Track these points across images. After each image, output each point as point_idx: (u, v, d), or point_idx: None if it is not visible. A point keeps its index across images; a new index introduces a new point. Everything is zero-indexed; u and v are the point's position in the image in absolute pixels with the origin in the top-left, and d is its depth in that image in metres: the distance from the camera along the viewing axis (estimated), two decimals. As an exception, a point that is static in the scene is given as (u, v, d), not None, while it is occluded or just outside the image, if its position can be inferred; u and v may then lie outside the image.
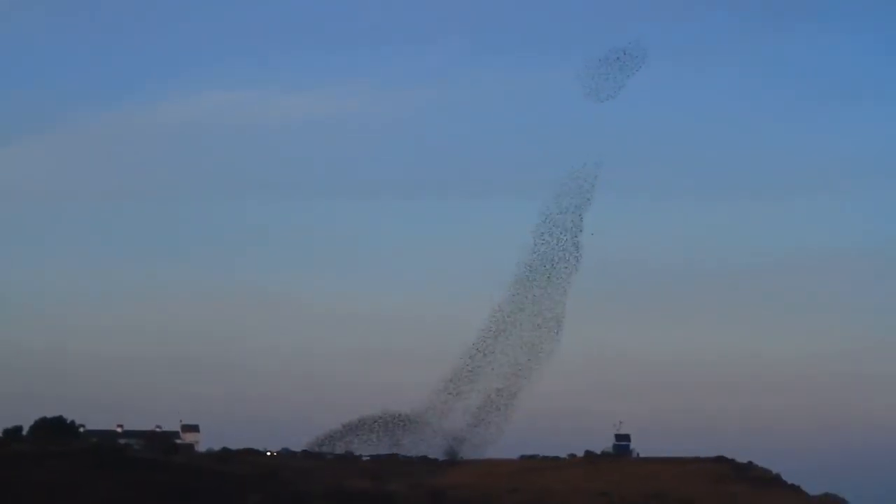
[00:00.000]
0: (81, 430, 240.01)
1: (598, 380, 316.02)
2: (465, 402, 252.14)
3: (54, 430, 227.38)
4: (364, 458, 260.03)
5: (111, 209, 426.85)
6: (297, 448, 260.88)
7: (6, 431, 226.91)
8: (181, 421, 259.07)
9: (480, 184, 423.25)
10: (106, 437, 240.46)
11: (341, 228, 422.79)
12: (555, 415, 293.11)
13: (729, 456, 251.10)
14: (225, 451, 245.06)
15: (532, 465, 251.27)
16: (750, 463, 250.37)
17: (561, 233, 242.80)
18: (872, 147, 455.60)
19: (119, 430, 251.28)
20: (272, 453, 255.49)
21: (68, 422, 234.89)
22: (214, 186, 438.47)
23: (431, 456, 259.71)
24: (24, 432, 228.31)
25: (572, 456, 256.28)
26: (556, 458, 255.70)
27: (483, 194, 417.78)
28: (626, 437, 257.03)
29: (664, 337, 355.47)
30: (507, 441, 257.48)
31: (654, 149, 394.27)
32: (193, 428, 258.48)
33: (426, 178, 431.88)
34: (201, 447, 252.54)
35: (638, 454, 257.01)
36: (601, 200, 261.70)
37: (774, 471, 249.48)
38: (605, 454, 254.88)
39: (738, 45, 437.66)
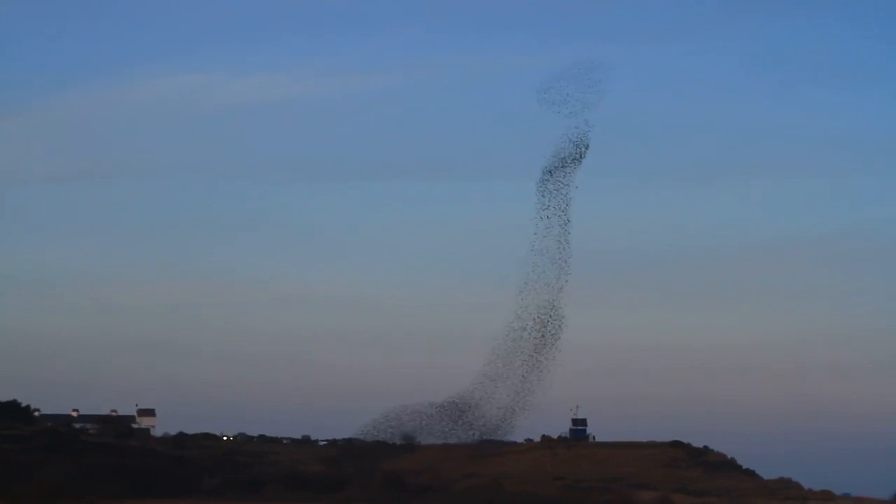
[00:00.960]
0: (36, 414, 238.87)
1: (554, 364, 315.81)
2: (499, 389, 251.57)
3: (9, 413, 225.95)
4: (321, 443, 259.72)
5: (67, 191, 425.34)
6: (253, 433, 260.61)
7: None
8: (137, 405, 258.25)
9: (446, 166, 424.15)
10: (61, 422, 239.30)
11: (297, 211, 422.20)
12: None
13: (685, 440, 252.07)
14: (181, 435, 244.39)
15: (488, 449, 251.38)
16: (705, 447, 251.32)
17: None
18: (840, 132, 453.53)
19: (74, 414, 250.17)
20: (229, 438, 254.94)
21: (23, 406, 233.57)
22: (173, 169, 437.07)
23: (390, 441, 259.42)
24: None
25: (529, 440, 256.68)
26: (513, 443, 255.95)
27: (449, 177, 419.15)
28: (583, 422, 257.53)
29: (621, 322, 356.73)
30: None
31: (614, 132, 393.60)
32: (149, 412, 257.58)
33: (390, 161, 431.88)
34: (157, 431, 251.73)
35: (594, 438, 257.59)
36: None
37: (730, 455, 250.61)
38: (561, 439, 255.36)
39: (715, 28, 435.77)
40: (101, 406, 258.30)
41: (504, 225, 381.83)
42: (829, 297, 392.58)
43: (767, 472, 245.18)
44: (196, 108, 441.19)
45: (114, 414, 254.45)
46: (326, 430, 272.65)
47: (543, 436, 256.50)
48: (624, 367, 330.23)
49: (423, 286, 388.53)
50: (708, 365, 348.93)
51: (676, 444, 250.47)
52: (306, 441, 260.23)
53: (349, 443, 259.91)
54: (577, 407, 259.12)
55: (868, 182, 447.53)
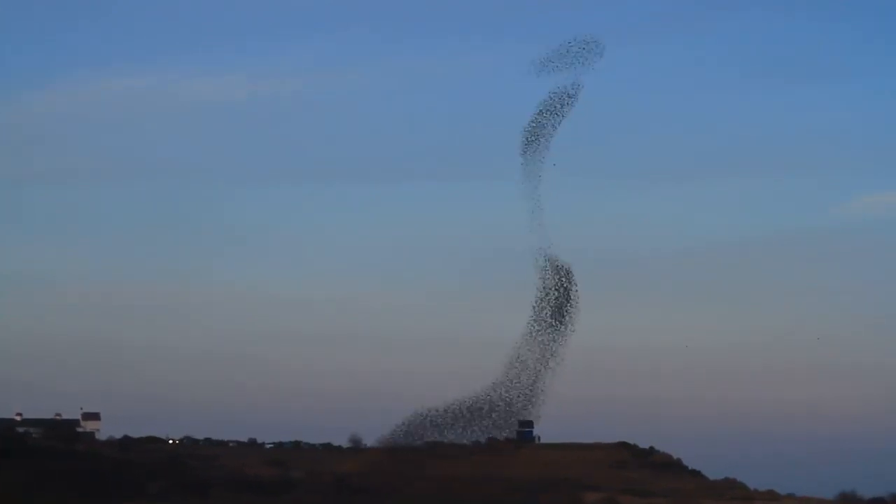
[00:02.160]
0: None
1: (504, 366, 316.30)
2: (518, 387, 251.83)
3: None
4: (267, 446, 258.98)
5: (22, 192, 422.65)
6: (198, 436, 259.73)
7: None
8: (82, 409, 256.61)
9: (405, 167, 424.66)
10: (5, 426, 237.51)
11: (242, 214, 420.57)
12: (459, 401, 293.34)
13: (631, 442, 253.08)
14: (126, 438, 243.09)
15: (436, 451, 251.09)
16: (651, 448, 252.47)
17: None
18: (820, 128, 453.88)
19: (18, 418, 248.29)
20: (174, 441, 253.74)
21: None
22: (129, 171, 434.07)
23: (336, 443, 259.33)
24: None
25: (475, 443, 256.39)
26: (462, 445, 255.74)
27: (411, 177, 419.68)
28: (530, 424, 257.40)
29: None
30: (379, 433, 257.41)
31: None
32: (94, 416, 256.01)
33: (342, 163, 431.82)
34: (102, 435, 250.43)
35: (540, 440, 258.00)
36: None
37: (675, 456, 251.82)
38: (508, 440, 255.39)
39: (690, 27, 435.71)
40: (45, 410, 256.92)
41: (469, 225, 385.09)
42: (775, 299, 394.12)
43: (713, 473, 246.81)
44: (151, 109, 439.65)
45: (58, 418, 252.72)
46: (272, 432, 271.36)
47: (490, 437, 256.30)
48: (570, 368, 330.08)
49: (376, 287, 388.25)
50: (653, 367, 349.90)
51: (622, 446, 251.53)
52: (252, 444, 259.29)
53: (296, 445, 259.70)
54: (521, 408, 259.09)
55: (839, 180, 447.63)
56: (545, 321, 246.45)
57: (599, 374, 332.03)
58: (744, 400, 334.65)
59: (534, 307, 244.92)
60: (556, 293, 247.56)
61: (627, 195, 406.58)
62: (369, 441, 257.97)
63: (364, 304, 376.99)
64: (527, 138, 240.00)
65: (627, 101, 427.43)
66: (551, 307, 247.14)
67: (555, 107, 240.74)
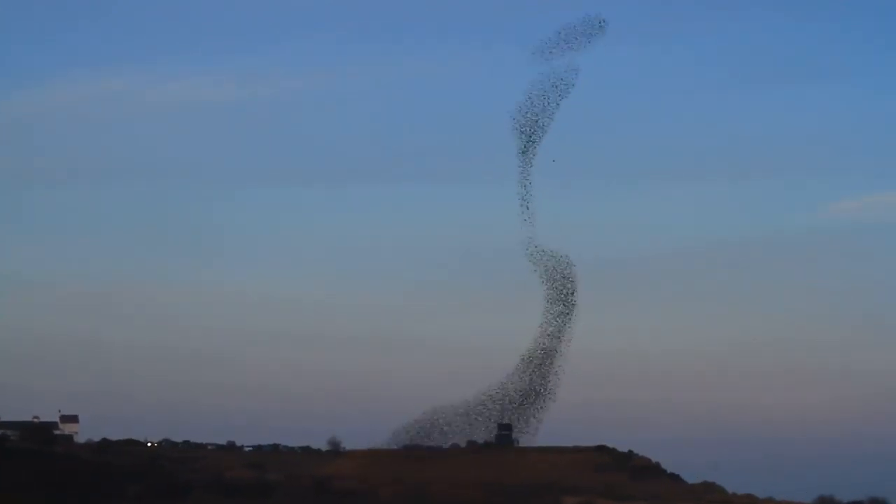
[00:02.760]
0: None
1: (481, 369, 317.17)
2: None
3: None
4: (246, 449, 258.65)
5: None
6: (177, 438, 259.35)
7: None
8: (60, 411, 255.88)
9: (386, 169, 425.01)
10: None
11: (228, 215, 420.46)
12: (435, 404, 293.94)
13: (610, 445, 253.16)
14: (105, 441, 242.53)
15: (415, 455, 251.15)
16: (630, 452, 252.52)
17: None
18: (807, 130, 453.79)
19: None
20: (153, 444, 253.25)
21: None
22: (105, 171, 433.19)
23: (315, 447, 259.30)
24: None
25: (455, 446, 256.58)
26: (440, 448, 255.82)
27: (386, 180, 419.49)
28: (509, 427, 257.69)
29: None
30: (389, 431, 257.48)
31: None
32: (72, 418, 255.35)
33: (317, 165, 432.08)
34: (80, 438, 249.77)
35: (519, 443, 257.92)
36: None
37: (654, 459, 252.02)
38: (487, 444, 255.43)
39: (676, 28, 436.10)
40: (23, 413, 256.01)
41: (453, 227, 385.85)
42: (755, 303, 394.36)
43: (691, 477, 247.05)
44: (119, 112, 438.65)
45: (36, 420, 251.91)
46: (251, 435, 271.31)
47: (469, 441, 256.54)
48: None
49: (357, 288, 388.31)
50: (632, 370, 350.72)
51: (601, 449, 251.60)
52: (231, 447, 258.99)
53: (275, 448, 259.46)
54: (502, 412, 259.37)
55: (828, 182, 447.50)
56: (554, 308, 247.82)
57: (578, 377, 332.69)
58: (722, 404, 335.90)
59: (546, 296, 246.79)
60: (560, 279, 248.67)
61: (611, 196, 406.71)
62: (348, 444, 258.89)
63: (344, 305, 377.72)
64: (521, 123, 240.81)
65: (618, 100, 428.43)
66: (557, 292, 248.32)
67: (551, 91, 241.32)
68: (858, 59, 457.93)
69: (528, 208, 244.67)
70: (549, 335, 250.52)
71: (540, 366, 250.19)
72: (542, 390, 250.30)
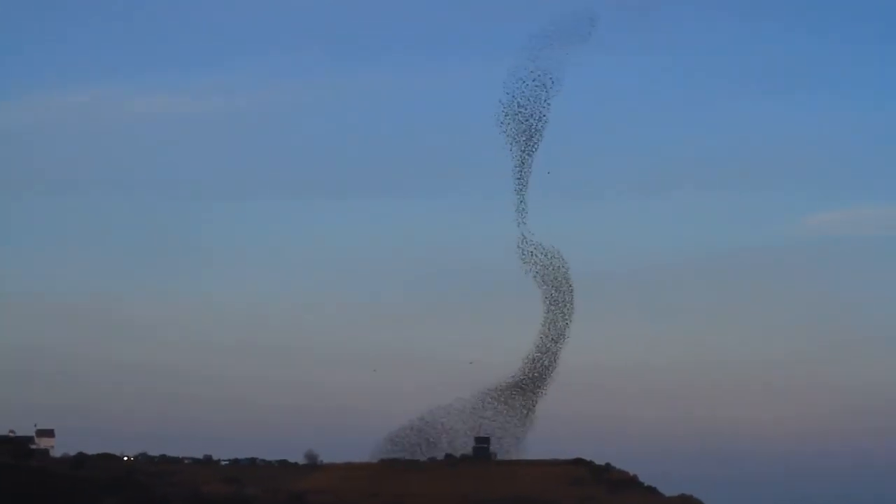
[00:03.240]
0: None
1: (458, 381, 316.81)
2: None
3: None
4: (223, 463, 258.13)
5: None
6: (154, 452, 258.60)
7: None
8: (36, 426, 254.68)
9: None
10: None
11: (202, 228, 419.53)
12: (413, 417, 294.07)
13: (587, 458, 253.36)
14: (80, 455, 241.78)
15: (392, 468, 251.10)
16: (608, 465, 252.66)
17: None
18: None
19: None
20: (129, 458, 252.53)
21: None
22: (79, 184, 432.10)
23: (292, 460, 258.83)
24: None
25: (432, 459, 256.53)
26: (416, 462, 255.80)
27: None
28: (486, 440, 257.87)
29: (523, 339, 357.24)
30: (367, 444, 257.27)
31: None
32: (48, 433, 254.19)
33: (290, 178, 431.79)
34: (56, 452, 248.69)
35: (497, 456, 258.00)
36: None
37: (632, 472, 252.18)
38: (464, 457, 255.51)
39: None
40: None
41: (427, 242, 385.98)
42: (731, 317, 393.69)
43: (669, 489, 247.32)
44: (94, 125, 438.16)
45: (12, 434, 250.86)
46: (228, 449, 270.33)
47: (447, 454, 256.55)
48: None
49: (333, 301, 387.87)
50: (609, 383, 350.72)
51: (579, 462, 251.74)
52: (208, 461, 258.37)
53: (252, 462, 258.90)
54: (480, 425, 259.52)
55: (799, 195, 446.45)
56: (552, 307, 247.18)
57: (555, 390, 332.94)
58: (700, 417, 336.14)
59: (544, 297, 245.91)
60: (555, 275, 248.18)
61: (585, 209, 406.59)
62: (326, 458, 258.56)
63: (321, 318, 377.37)
64: (513, 125, 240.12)
65: (594, 112, 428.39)
66: (553, 289, 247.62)
67: (540, 90, 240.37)
68: (836, 72, 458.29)
69: (523, 209, 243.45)
70: (549, 339, 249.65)
71: (538, 372, 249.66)
72: (534, 399, 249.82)
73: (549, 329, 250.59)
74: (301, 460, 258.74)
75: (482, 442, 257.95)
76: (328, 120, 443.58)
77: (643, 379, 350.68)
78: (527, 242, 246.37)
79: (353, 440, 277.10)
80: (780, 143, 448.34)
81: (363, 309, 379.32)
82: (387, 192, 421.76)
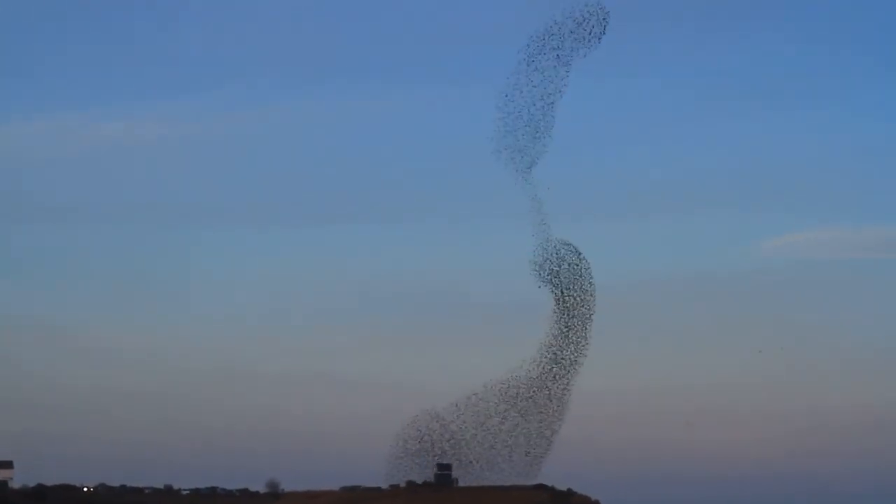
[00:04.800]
0: None
1: (417, 407, 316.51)
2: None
3: None
4: (184, 492, 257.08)
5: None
6: (114, 482, 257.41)
7: None
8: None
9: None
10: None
11: (162, 255, 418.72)
12: (374, 444, 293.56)
13: (549, 483, 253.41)
14: (40, 487, 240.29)
15: (353, 496, 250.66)
16: (569, 490, 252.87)
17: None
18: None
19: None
20: (89, 489, 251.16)
21: None
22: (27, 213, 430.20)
23: (253, 489, 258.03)
24: None
25: (394, 486, 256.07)
26: (378, 489, 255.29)
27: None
28: (448, 467, 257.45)
29: (486, 363, 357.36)
30: (328, 471, 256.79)
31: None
32: (7, 464, 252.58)
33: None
34: (15, 483, 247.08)
35: (458, 483, 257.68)
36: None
37: (594, 498, 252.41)
38: (426, 484, 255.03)
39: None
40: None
41: (387, 267, 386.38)
42: (695, 340, 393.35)
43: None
44: (58, 149, 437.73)
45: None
46: (189, 478, 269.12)
47: (408, 481, 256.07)
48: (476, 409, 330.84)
49: (295, 326, 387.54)
50: (570, 408, 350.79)
51: (540, 488, 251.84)
52: (169, 490, 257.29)
53: (212, 491, 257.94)
54: (443, 451, 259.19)
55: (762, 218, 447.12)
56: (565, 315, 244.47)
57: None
58: (661, 442, 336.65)
59: (555, 297, 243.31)
60: (570, 271, 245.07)
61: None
62: (287, 486, 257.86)
63: (283, 344, 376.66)
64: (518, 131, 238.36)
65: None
66: (567, 293, 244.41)
67: (545, 93, 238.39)
68: (797, 95, 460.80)
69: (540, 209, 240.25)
70: (559, 352, 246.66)
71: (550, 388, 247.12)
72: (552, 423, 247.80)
73: (558, 346, 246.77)
74: (262, 489, 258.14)
75: (444, 468, 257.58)
76: (295, 146, 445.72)
77: (605, 404, 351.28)
78: (551, 241, 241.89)
79: (316, 468, 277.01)
80: (736, 166, 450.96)
81: (328, 336, 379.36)
82: (354, 218, 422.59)
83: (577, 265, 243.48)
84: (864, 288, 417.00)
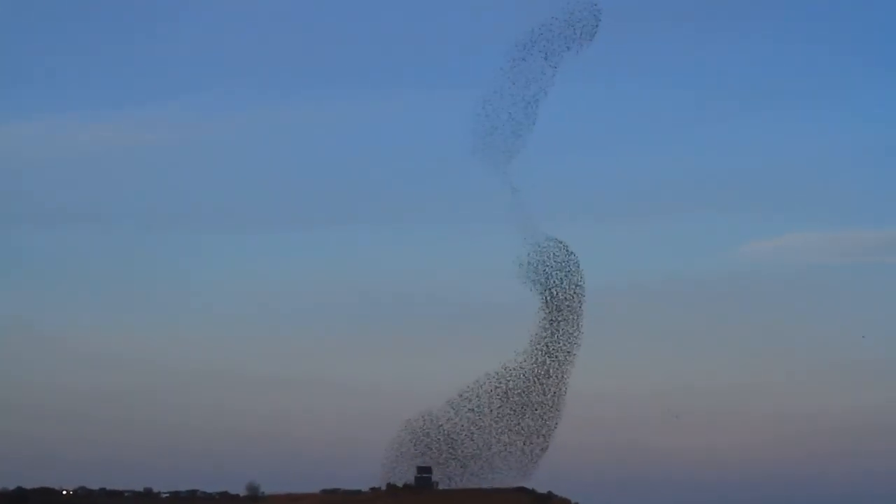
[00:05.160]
0: None
1: (396, 409, 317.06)
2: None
3: None
4: (163, 495, 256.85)
5: None
6: (94, 486, 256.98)
7: None
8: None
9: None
10: None
11: (141, 260, 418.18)
12: (354, 446, 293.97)
13: (529, 486, 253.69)
14: (20, 490, 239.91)
15: (334, 499, 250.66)
16: (549, 493, 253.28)
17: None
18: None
19: None
20: (69, 492, 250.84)
21: None
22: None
23: (233, 492, 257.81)
24: None
25: (374, 489, 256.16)
26: (358, 492, 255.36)
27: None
28: (428, 470, 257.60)
29: (464, 367, 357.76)
30: (308, 474, 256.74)
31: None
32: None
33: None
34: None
35: (439, 485, 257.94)
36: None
37: (574, 500, 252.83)
38: (407, 487, 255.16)
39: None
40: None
41: (360, 271, 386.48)
42: (674, 345, 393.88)
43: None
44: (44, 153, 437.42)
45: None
46: (168, 481, 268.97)
47: (389, 484, 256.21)
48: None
49: (274, 329, 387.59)
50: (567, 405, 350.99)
51: (521, 490, 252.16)
52: (148, 493, 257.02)
53: (192, 494, 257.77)
54: (424, 454, 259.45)
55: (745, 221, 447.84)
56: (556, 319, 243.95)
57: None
58: (642, 445, 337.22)
59: (543, 293, 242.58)
60: (558, 267, 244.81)
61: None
62: (268, 489, 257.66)
63: (264, 346, 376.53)
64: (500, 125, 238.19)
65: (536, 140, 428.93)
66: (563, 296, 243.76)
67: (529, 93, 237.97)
68: (784, 98, 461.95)
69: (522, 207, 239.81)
70: (551, 345, 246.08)
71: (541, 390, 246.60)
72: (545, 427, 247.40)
73: (550, 347, 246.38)
74: (242, 492, 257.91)
75: (424, 471, 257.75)
76: (284, 149, 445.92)
77: (585, 406, 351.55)
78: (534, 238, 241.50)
79: (296, 470, 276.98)
80: (723, 169, 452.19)
81: (308, 338, 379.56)
82: (332, 221, 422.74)
83: (566, 260, 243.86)
84: (850, 291, 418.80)
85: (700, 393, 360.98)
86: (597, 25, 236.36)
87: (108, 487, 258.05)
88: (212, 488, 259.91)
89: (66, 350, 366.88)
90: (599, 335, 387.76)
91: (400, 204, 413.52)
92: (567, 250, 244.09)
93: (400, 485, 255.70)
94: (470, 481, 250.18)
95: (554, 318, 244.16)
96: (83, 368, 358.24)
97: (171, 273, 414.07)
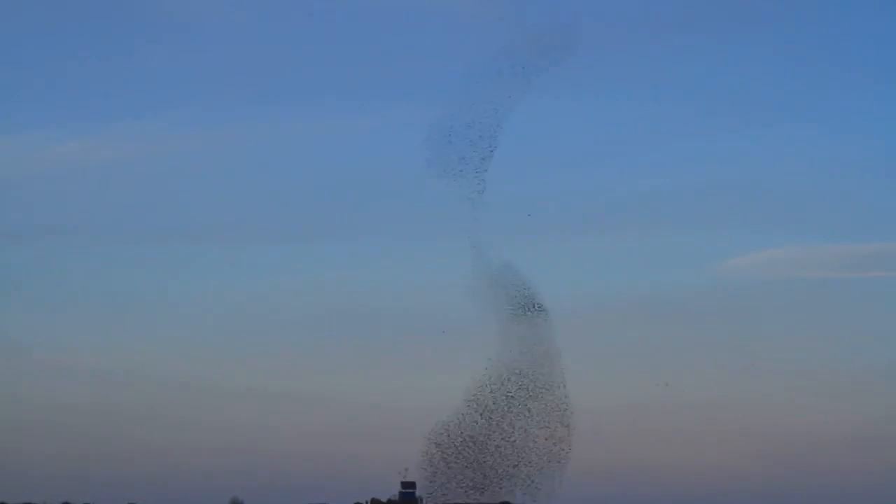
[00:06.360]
0: None
1: (381, 424, 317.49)
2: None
3: None
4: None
5: None
6: (77, 501, 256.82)
7: None
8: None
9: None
10: None
11: (119, 274, 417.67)
12: (339, 460, 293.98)
13: (513, 501, 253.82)
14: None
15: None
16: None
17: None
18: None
19: None
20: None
21: None
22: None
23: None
24: None
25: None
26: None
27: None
28: (412, 485, 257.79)
29: (447, 382, 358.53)
30: (292, 488, 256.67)
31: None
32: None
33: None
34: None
35: (423, 501, 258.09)
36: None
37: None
38: (391, 502, 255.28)
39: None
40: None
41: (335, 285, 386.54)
42: (656, 359, 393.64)
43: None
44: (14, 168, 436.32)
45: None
46: (151, 496, 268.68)
47: (373, 499, 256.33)
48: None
49: (256, 343, 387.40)
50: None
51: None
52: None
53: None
54: (407, 469, 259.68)
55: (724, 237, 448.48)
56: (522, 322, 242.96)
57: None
58: (624, 460, 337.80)
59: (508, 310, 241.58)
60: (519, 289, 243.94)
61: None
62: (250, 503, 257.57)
63: (244, 361, 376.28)
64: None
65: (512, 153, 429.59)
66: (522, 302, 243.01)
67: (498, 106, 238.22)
68: (760, 113, 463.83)
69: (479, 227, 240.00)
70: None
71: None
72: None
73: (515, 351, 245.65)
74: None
75: (408, 486, 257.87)
76: (253, 166, 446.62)
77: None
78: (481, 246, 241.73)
79: (279, 486, 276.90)
80: (699, 185, 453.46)
81: (289, 352, 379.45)
82: (297, 238, 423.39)
83: (520, 284, 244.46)
84: (828, 307, 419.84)
85: (681, 407, 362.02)
86: (568, 46, 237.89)
87: (90, 503, 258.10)
88: (195, 503, 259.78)
89: (45, 364, 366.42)
90: (576, 353, 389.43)
91: (366, 220, 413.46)
92: (519, 273, 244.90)
93: (384, 500, 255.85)
94: (470, 496, 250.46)
95: (520, 337, 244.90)
96: (64, 383, 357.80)
97: (150, 287, 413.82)
